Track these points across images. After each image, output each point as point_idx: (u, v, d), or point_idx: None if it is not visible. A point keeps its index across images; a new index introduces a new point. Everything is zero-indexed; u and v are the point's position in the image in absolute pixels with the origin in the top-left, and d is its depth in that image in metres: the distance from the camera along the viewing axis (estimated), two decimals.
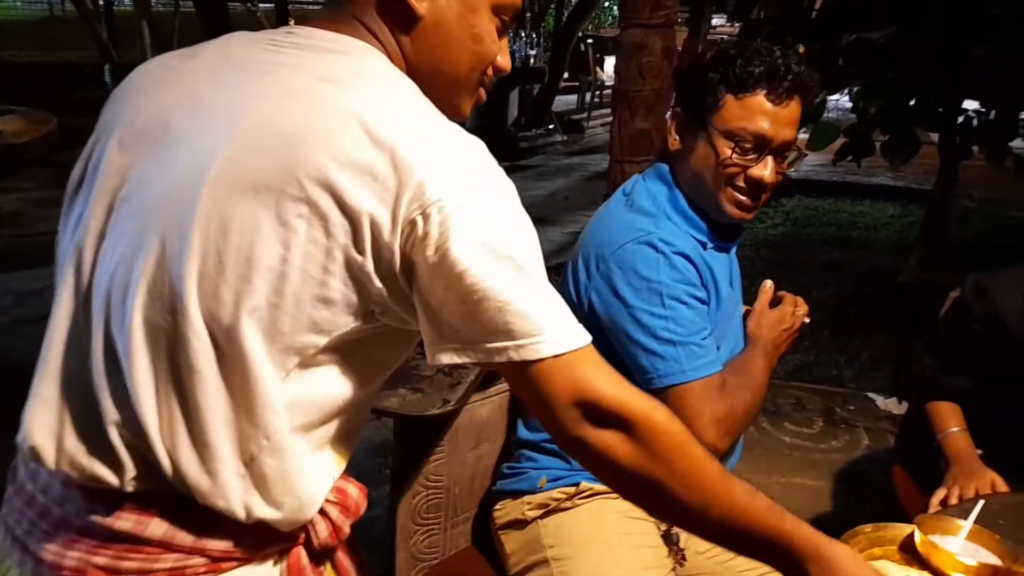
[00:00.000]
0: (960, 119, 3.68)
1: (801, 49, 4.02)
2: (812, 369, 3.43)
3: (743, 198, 1.18)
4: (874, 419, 2.87)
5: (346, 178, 0.64)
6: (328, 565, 0.82)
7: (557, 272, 1.34)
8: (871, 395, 3.07)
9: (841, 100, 4.63)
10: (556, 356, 0.70)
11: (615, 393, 0.72)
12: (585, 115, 9.96)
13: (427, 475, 1.34)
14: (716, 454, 1.08)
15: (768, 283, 1.29)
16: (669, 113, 1.25)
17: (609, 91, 6.85)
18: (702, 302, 1.17)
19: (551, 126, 9.35)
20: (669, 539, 1.28)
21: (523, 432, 1.35)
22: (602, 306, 1.19)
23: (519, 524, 1.30)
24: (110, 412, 0.70)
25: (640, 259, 1.15)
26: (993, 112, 3.61)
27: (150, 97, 0.76)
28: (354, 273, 0.67)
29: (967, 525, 1.01)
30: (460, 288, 0.67)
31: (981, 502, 1.07)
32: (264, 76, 0.72)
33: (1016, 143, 3.68)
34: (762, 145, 1.15)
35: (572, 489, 1.27)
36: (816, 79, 1.18)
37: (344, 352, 0.71)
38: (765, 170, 1.16)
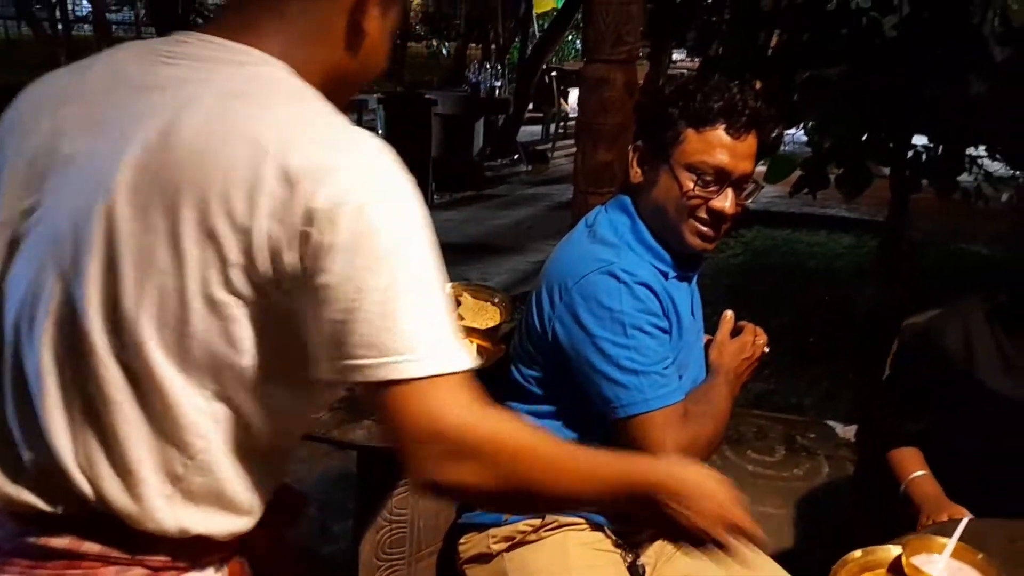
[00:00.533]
0: (910, 154, 3.82)
1: (758, 85, 4.14)
2: (773, 397, 3.48)
3: (705, 229, 1.21)
4: (834, 447, 2.92)
5: (240, 195, 0.64)
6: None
7: (522, 301, 1.35)
8: (831, 423, 3.12)
9: (797, 134, 4.76)
10: (418, 379, 0.65)
11: (461, 421, 0.67)
12: (550, 146, 10.07)
13: (391, 509, 1.32)
14: None
15: (728, 313, 1.31)
16: (631, 146, 1.28)
17: (573, 122, 6.95)
18: (664, 331, 1.19)
19: (516, 156, 9.43)
20: (635, 571, 1.28)
21: None
22: (565, 336, 1.20)
23: (484, 558, 1.29)
24: (26, 451, 0.69)
25: (603, 289, 1.16)
26: (940, 148, 3.75)
27: (42, 119, 0.73)
28: (254, 290, 0.66)
29: (951, 543, 1.02)
30: (340, 298, 0.65)
31: (965, 520, 1.08)
32: (159, 92, 0.70)
33: (964, 177, 3.82)
34: (722, 178, 1.18)
35: (537, 521, 1.27)
36: (772, 114, 1.22)
37: (264, 367, 0.70)
38: (726, 202, 1.19)
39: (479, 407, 0.69)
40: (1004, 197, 4.50)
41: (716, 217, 1.19)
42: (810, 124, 3.89)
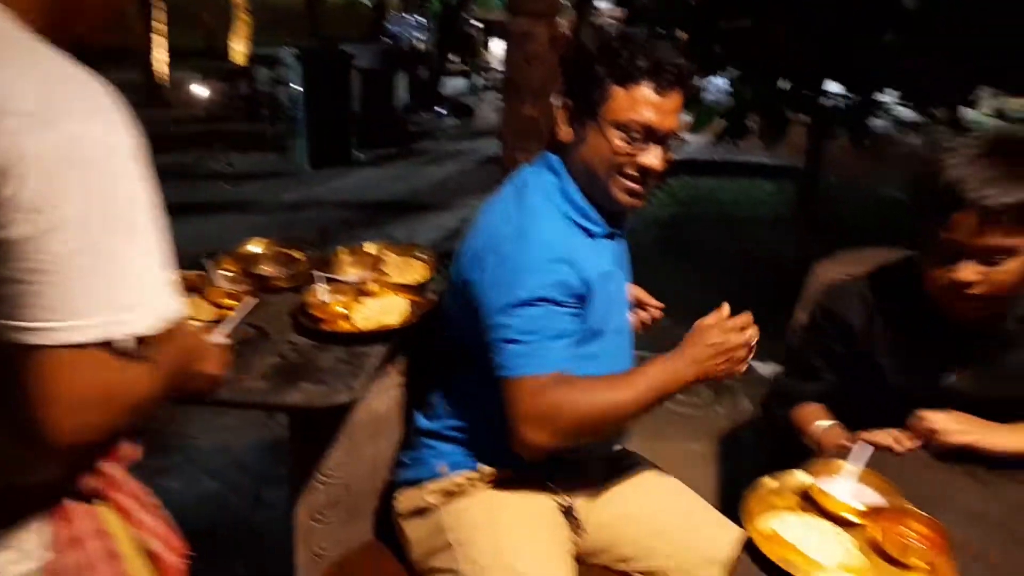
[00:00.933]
0: (826, 103, 3.94)
1: (684, 36, 4.18)
2: None
3: (634, 185, 1.22)
4: (756, 385, 3.05)
5: None
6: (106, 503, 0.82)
7: (450, 258, 1.34)
8: (751, 363, 3.24)
9: (718, 83, 4.83)
10: (64, 347, 0.62)
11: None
12: (475, 98, 9.94)
13: (325, 472, 1.31)
14: (533, 449, 1.13)
15: (725, 306, 1.20)
16: (559, 104, 1.26)
17: (499, 75, 6.84)
18: (571, 304, 1.17)
19: (441, 110, 9.28)
20: (569, 514, 1.32)
21: (422, 421, 1.36)
22: (475, 295, 1.20)
23: (421, 512, 1.30)
24: None
25: (515, 255, 1.16)
26: (854, 96, 3.88)
27: None
28: None
29: (856, 468, 1.07)
30: (16, 254, 0.61)
31: (871, 447, 1.13)
32: None
33: (879, 123, 3.97)
34: (650, 134, 1.19)
35: (473, 474, 1.28)
36: (695, 69, 1.23)
37: None
38: (654, 158, 1.20)
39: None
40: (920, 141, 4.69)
41: (644, 173, 1.21)
42: (735, 75, 3.95)
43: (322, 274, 1.51)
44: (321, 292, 1.46)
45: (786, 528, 0.99)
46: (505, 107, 2.39)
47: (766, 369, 3.14)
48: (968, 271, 1.15)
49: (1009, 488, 1.10)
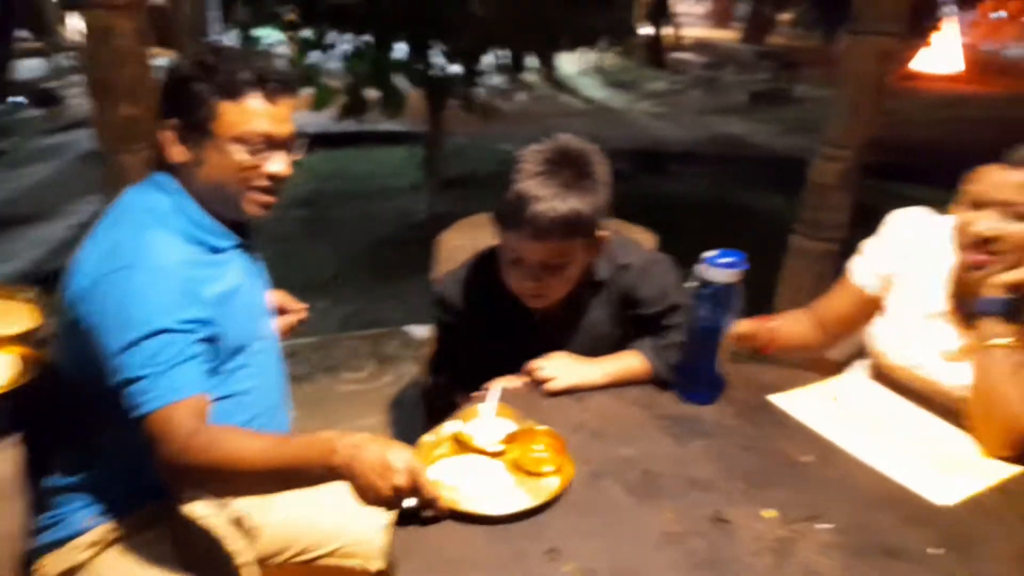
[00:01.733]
0: (437, 74, 4.23)
1: (292, 16, 4.11)
2: (361, 317, 3.70)
3: (267, 197, 1.23)
4: (416, 348, 3.26)
5: None
6: None
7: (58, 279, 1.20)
8: (410, 328, 3.46)
9: (331, 61, 4.88)
10: None
11: None
12: (59, 83, 8.57)
13: None
14: (190, 480, 1.10)
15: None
16: (166, 127, 1.20)
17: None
18: (193, 325, 1.14)
19: (19, 99, 7.83)
20: (240, 524, 1.33)
21: (56, 480, 1.26)
22: (89, 337, 1.12)
23: (73, 572, 1.22)
24: None
25: (125, 288, 1.10)
26: (458, 67, 4.23)
27: None
28: None
29: (491, 407, 1.26)
30: None
31: (500, 387, 1.33)
32: None
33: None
34: (270, 142, 1.20)
35: (123, 519, 1.24)
36: (298, 73, 1.26)
37: None
38: (280, 164, 1.22)
39: None
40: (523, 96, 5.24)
41: (274, 180, 1.23)
42: (346, 51, 4.02)
43: None
44: None
45: (447, 473, 1.13)
46: (96, 110, 2.14)
47: (420, 331, 3.38)
48: (527, 283, 1.33)
49: (597, 399, 1.39)
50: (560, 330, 1.48)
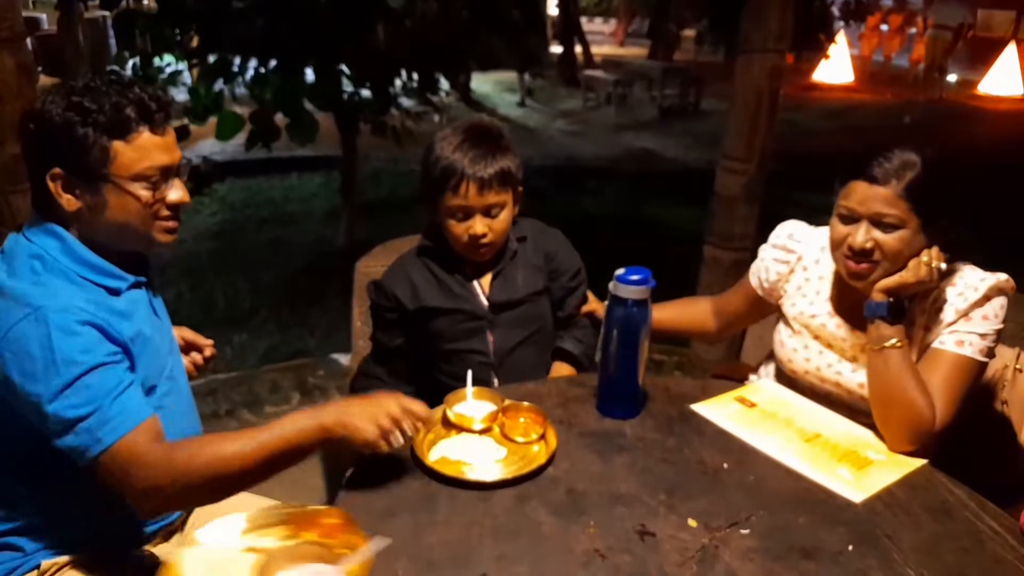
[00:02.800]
0: (348, 98, 4.18)
1: (195, 41, 4.00)
2: (281, 349, 3.60)
3: (173, 224, 1.22)
4: (341, 378, 3.19)
5: None
6: None
7: None
8: (335, 356, 3.38)
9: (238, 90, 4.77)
10: None
11: None
12: None
13: None
14: (160, 508, 1.15)
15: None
16: (48, 176, 1.13)
17: None
18: (111, 359, 1.10)
19: None
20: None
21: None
22: (10, 395, 1.06)
23: None
24: None
25: (31, 339, 1.04)
26: (369, 92, 4.19)
27: None
28: None
29: (470, 389, 1.37)
30: None
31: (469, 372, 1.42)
32: None
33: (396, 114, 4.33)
34: (166, 174, 1.19)
35: (76, 556, 1.22)
36: (169, 98, 1.26)
37: None
38: (180, 192, 1.21)
39: None
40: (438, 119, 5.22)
41: (175, 208, 1.22)
42: (249, 77, 3.92)
43: None
44: None
45: (448, 451, 1.27)
46: None
47: (344, 359, 3.31)
48: (478, 224, 1.53)
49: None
50: (498, 291, 1.62)
